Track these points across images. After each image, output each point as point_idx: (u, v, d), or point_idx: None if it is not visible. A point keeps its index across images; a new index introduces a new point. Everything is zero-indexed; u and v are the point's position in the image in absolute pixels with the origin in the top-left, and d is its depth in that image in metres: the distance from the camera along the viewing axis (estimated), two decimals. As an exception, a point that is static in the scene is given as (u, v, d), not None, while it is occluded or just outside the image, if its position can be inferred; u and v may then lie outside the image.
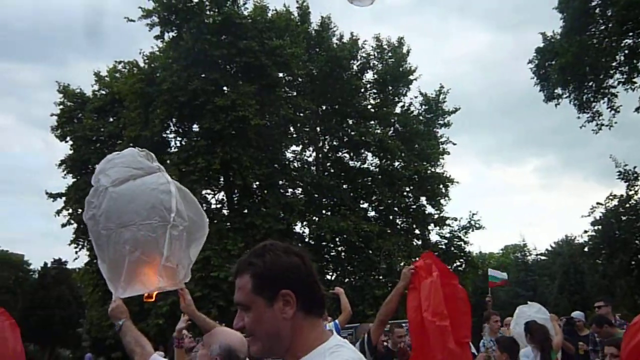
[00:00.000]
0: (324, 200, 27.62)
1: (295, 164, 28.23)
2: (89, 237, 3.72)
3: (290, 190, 26.76)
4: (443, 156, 28.87)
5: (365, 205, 28.90)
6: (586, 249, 28.64)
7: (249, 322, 1.57)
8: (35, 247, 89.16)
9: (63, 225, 26.51)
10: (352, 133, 27.56)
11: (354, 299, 22.00)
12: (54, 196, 27.24)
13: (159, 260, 3.24)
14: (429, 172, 27.91)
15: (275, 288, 1.54)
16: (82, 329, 44.25)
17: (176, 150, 24.67)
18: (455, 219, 28.44)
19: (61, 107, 28.58)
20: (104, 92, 28.55)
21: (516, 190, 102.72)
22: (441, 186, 28.39)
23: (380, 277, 25.68)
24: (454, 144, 29.80)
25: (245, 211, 24.04)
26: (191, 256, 3.59)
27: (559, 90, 25.18)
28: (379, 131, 27.95)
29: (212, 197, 25.83)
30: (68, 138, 27.86)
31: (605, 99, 24.71)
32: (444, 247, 28.04)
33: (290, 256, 1.59)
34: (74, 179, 26.86)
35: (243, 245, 20.85)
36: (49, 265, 43.30)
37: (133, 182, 3.36)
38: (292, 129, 27.85)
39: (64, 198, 26.89)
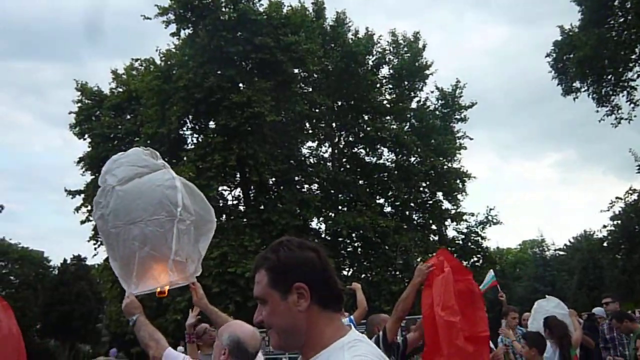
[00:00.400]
0: (340, 196, 27.61)
1: (311, 160, 28.28)
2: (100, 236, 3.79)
3: (306, 186, 26.82)
4: (460, 151, 28.73)
5: (382, 200, 28.81)
6: (605, 244, 28.37)
7: (265, 316, 1.62)
8: (55, 243, 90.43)
9: (82, 222, 26.79)
10: (368, 129, 27.50)
11: (370, 294, 21.99)
12: (72, 193, 27.53)
13: (168, 254, 3.30)
14: (445, 167, 27.79)
15: (289, 281, 1.57)
16: (101, 325, 44.82)
17: (193, 147, 24.81)
18: (473, 215, 28.28)
19: (79, 105, 28.86)
20: (121, 90, 28.77)
21: (534, 185, 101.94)
22: (458, 181, 28.24)
23: (397, 273, 25.62)
24: (471, 139, 29.66)
25: (262, 207, 24.12)
26: (200, 250, 3.65)
27: (577, 84, 24.94)
28: (394, 126, 27.88)
29: (229, 194, 26.00)
30: (86, 135, 28.12)
31: (625, 92, 24.45)
32: (461, 242, 27.91)
33: (305, 250, 1.62)
34: (93, 177, 27.10)
35: (260, 242, 20.95)
36: (68, 261, 43.86)
37: (139, 180, 3.43)
38: (307, 125, 27.87)
39: (82, 195, 27.13)
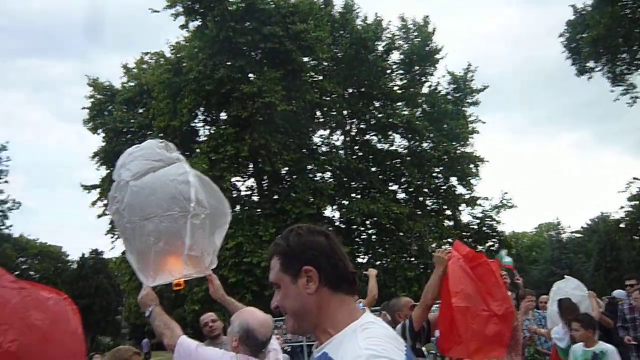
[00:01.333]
0: (353, 183, 27.60)
1: (324, 148, 28.27)
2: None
3: (319, 174, 26.79)
4: (472, 135, 28.61)
5: (395, 187, 28.79)
6: (622, 225, 28.19)
7: (279, 300, 1.66)
8: (73, 238, 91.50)
9: (99, 216, 27.09)
10: (380, 115, 27.42)
11: (385, 281, 22.05)
12: (88, 188, 27.75)
13: (182, 249, 3.33)
14: (458, 152, 27.67)
15: (298, 265, 1.61)
16: (120, 317, 45.40)
17: (205, 139, 24.88)
18: (487, 199, 28.20)
19: (92, 100, 29.02)
20: (132, 84, 28.90)
21: (549, 167, 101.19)
22: (471, 166, 28.11)
23: (412, 259, 25.62)
24: (484, 123, 29.54)
25: (275, 197, 24.19)
26: (216, 242, 3.68)
27: (591, 64, 24.68)
28: (406, 112, 27.76)
29: (242, 184, 26.07)
30: (99, 130, 28.31)
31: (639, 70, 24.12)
32: (475, 227, 27.82)
33: (314, 235, 1.67)
34: (107, 171, 27.28)
35: (274, 231, 21.00)
36: (86, 255, 44.36)
37: (153, 174, 3.45)
38: (319, 113, 27.83)
39: (98, 189, 27.38)
